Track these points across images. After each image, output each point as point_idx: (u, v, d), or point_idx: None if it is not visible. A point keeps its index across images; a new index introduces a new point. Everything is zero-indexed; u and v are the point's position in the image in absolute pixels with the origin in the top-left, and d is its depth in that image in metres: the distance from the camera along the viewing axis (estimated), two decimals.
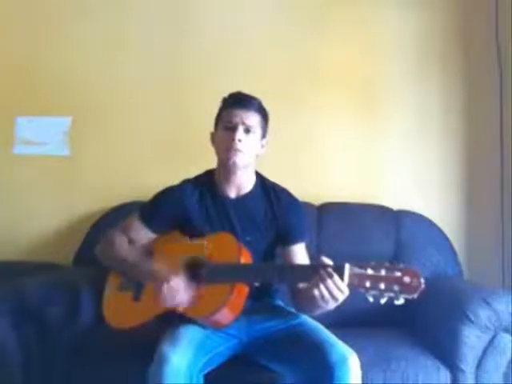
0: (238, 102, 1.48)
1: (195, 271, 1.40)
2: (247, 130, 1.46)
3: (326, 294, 1.22)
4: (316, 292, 1.23)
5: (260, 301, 1.51)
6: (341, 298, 1.22)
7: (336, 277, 1.21)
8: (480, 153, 2.26)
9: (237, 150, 1.43)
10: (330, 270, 1.22)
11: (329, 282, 1.21)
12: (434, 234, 2.07)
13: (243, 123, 1.45)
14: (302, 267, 1.40)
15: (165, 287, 1.34)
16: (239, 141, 1.43)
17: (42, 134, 2.35)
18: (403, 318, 1.84)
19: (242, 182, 1.51)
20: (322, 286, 1.22)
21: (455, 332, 1.54)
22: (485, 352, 1.55)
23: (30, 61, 2.38)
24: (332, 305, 1.25)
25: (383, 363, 1.52)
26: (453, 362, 1.54)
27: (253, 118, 1.47)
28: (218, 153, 1.51)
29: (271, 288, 1.56)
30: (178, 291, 1.34)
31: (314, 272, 1.25)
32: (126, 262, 1.48)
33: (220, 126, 1.50)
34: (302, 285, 1.38)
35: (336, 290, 1.21)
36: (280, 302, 1.56)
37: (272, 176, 1.60)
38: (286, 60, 2.31)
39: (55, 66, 2.37)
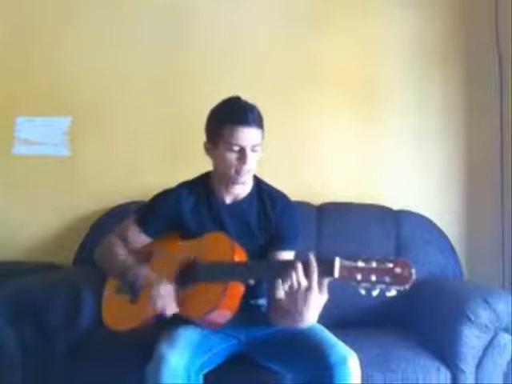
0: (241, 118, 1.37)
1: (190, 271, 1.40)
2: (253, 149, 1.40)
3: (292, 285, 1.19)
4: (287, 284, 1.21)
5: (257, 300, 1.51)
6: (313, 296, 1.17)
7: (300, 268, 1.19)
8: (480, 153, 2.26)
9: (247, 172, 1.41)
10: (299, 262, 1.21)
11: (298, 271, 1.19)
12: (434, 234, 2.06)
13: (250, 145, 1.39)
14: (284, 262, 1.38)
15: (153, 291, 1.33)
16: (249, 163, 1.39)
17: (41, 134, 2.35)
18: (403, 318, 1.84)
19: (240, 190, 1.50)
20: (290, 278, 1.20)
21: (455, 332, 1.54)
22: (485, 352, 1.54)
23: (29, 61, 2.38)
24: (302, 306, 1.19)
25: (383, 363, 1.52)
26: (453, 362, 1.54)
27: (258, 136, 1.40)
28: (219, 169, 1.46)
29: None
30: (163, 296, 1.33)
31: (288, 265, 1.23)
32: (121, 268, 1.47)
33: (223, 143, 1.40)
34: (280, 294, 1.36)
35: (303, 279, 1.18)
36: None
37: (272, 176, 1.60)
38: (285, 60, 2.31)
39: (55, 65, 2.37)
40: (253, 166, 1.43)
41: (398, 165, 2.29)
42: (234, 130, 1.37)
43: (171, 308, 1.34)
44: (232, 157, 1.40)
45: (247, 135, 1.38)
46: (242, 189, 1.50)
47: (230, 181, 1.45)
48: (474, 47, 2.28)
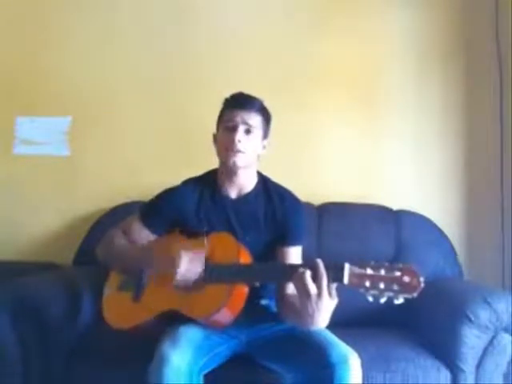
0: (239, 102, 1.48)
1: None
2: (248, 131, 1.46)
3: (302, 291, 1.19)
4: (296, 289, 1.21)
5: (260, 301, 1.51)
6: (323, 301, 1.17)
7: (309, 274, 1.18)
8: (480, 153, 2.26)
9: (237, 151, 1.43)
10: (307, 268, 1.20)
11: (306, 277, 1.18)
12: (434, 234, 2.07)
13: (244, 123, 1.45)
14: (291, 266, 1.37)
15: (179, 262, 1.33)
16: (239, 141, 1.43)
17: (42, 134, 2.35)
18: (403, 318, 1.84)
19: (243, 183, 1.51)
20: (299, 283, 1.20)
21: (455, 332, 1.54)
22: (485, 352, 1.55)
23: (29, 61, 2.38)
24: (313, 310, 1.18)
25: (383, 363, 1.52)
26: (453, 362, 1.54)
27: (254, 119, 1.47)
28: (218, 153, 1.51)
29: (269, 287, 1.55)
30: (191, 263, 1.34)
31: (295, 269, 1.23)
32: (128, 255, 1.49)
33: (221, 126, 1.51)
34: (290, 290, 1.37)
35: (312, 286, 1.18)
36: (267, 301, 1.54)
37: (272, 176, 1.60)
38: (285, 60, 2.32)
39: (55, 66, 2.37)
40: (245, 149, 1.45)
41: (398, 165, 2.29)
42: (230, 111, 1.48)
43: (198, 273, 1.34)
44: (225, 134, 1.47)
45: (242, 115, 1.46)
46: (246, 181, 1.52)
47: (226, 165, 1.47)
48: (474, 47, 2.28)
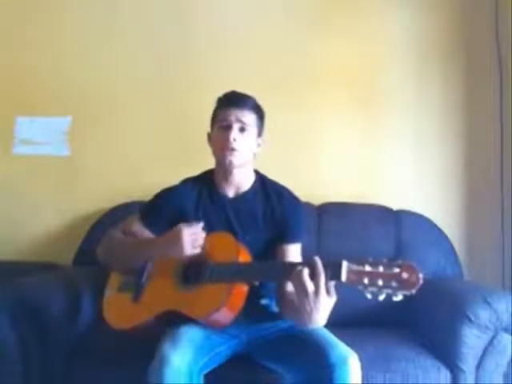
0: (232, 101, 1.48)
1: (194, 271, 1.40)
2: (242, 129, 1.46)
3: (299, 289, 1.19)
4: (294, 287, 1.22)
5: (259, 300, 1.51)
6: (321, 299, 1.17)
7: (307, 271, 1.19)
8: (480, 152, 2.26)
9: (232, 150, 1.44)
10: (305, 266, 1.20)
11: (304, 275, 1.18)
12: (434, 234, 2.07)
13: (238, 122, 1.46)
14: (290, 264, 1.36)
15: (183, 235, 1.35)
16: (234, 140, 1.44)
17: (42, 134, 2.35)
18: (403, 318, 1.84)
19: (240, 181, 1.52)
20: (296, 281, 1.20)
21: (455, 332, 1.54)
22: (485, 352, 1.54)
23: (29, 61, 2.38)
24: (311, 309, 1.19)
25: (383, 363, 1.52)
26: (453, 362, 1.54)
27: (248, 117, 1.47)
28: (214, 152, 1.52)
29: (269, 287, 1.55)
30: (194, 234, 1.37)
31: (293, 267, 1.23)
32: (129, 246, 1.49)
33: (215, 125, 1.51)
34: (289, 288, 1.36)
35: (310, 284, 1.18)
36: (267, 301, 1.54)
37: (271, 176, 1.60)
38: (285, 60, 2.31)
39: (55, 66, 2.38)
40: (240, 147, 1.45)
41: (398, 165, 2.29)
42: (223, 110, 1.48)
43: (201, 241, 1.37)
44: (220, 133, 1.47)
45: (236, 113, 1.46)
46: (242, 180, 1.52)
47: (222, 164, 1.48)
48: (473, 47, 2.28)
